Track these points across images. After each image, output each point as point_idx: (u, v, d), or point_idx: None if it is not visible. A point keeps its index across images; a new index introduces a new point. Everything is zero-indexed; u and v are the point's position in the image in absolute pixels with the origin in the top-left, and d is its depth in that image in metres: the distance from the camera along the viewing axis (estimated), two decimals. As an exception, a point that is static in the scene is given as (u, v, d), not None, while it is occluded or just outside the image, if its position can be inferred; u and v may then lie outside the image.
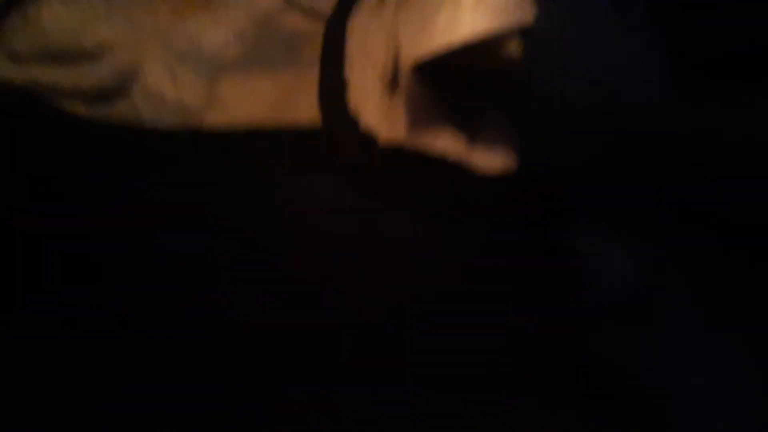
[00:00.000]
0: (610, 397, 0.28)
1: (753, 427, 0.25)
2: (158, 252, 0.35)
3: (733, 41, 0.25)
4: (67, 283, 0.33)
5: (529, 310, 0.31)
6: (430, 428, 0.28)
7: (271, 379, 0.30)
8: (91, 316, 0.32)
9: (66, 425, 0.29)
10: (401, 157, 0.36)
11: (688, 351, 0.27)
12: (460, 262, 0.34)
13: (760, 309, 0.27)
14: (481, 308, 0.31)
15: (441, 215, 0.35)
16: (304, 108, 0.40)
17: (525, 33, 0.30)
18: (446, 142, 0.36)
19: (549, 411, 0.28)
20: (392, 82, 0.39)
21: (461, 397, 0.29)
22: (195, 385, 0.30)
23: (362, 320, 0.32)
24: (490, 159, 0.36)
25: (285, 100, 0.41)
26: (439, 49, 0.31)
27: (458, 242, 0.35)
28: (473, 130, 0.37)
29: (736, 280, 0.27)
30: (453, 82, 0.35)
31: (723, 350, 0.27)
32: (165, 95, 0.42)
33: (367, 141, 0.37)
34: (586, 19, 0.29)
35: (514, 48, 0.33)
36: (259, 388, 0.30)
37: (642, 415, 0.27)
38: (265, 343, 0.31)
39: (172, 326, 0.32)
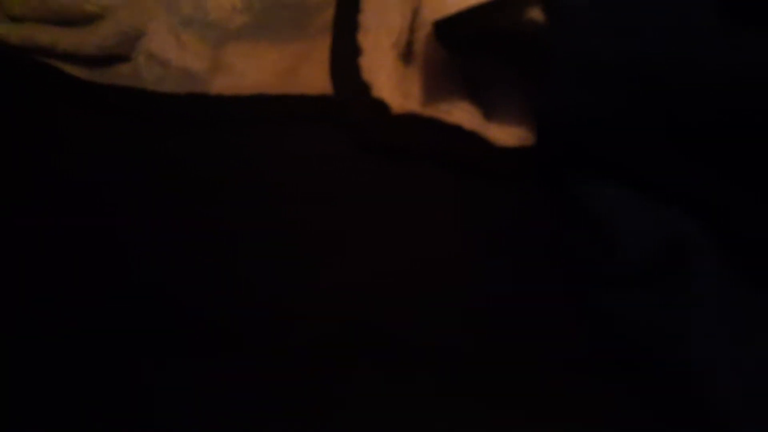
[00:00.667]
0: (636, 370, 0.26)
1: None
2: (169, 214, 0.33)
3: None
4: (75, 247, 0.32)
5: (548, 276, 0.30)
6: (448, 394, 0.27)
7: (280, 331, 0.29)
8: (105, 279, 0.31)
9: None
10: (415, 125, 0.35)
11: (721, 317, 0.26)
12: (479, 224, 0.32)
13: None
14: (500, 272, 0.30)
15: (457, 179, 0.33)
16: (313, 78, 0.39)
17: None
18: (462, 115, 0.35)
19: (572, 384, 0.27)
20: (407, 52, 0.37)
21: (478, 364, 0.28)
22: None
23: (379, 279, 0.31)
24: (507, 133, 0.34)
25: (294, 69, 0.40)
26: (463, 6, 0.30)
27: (476, 203, 0.34)
28: (489, 105, 0.36)
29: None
30: (472, 48, 0.34)
31: (760, 317, 0.26)
32: (170, 60, 0.41)
33: (379, 108, 0.35)
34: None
35: (536, 12, 0.32)
36: (267, 345, 0.29)
37: (673, 389, 0.26)
38: (280, 301, 0.30)
39: (189, 289, 0.30)
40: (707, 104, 0.26)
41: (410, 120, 0.35)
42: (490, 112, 0.35)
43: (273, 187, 0.36)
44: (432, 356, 0.28)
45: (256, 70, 0.40)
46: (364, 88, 0.36)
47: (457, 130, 0.34)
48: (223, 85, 0.40)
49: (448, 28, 0.32)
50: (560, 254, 0.30)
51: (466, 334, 0.29)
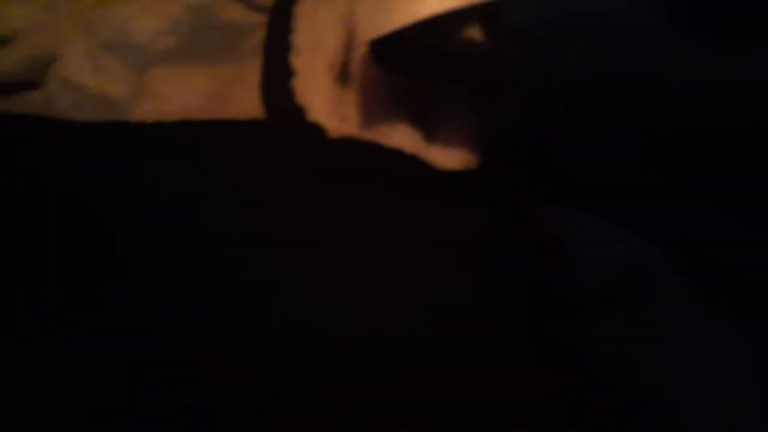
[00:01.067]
0: (602, 399, 0.24)
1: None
2: (84, 251, 0.30)
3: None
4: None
5: (504, 303, 0.28)
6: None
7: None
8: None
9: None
10: (353, 148, 0.33)
11: (689, 343, 0.24)
12: (431, 245, 0.30)
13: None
14: (457, 295, 0.28)
15: (401, 202, 0.31)
16: (245, 101, 0.37)
17: (495, 6, 0.27)
18: (402, 138, 0.33)
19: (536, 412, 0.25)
20: (343, 73, 0.35)
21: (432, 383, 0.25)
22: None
23: (323, 302, 0.28)
24: (449, 156, 0.33)
25: (224, 93, 0.37)
26: (400, 24, 0.28)
27: (424, 225, 0.32)
28: (430, 128, 0.34)
29: (740, 260, 0.24)
30: (410, 68, 0.32)
31: (730, 340, 0.24)
32: (86, 86, 0.38)
33: (315, 132, 0.33)
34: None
35: (475, 31, 0.30)
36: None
37: (641, 420, 0.24)
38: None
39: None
40: (666, 119, 0.25)
41: (348, 144, 0.33)
42: (430, 135, 0.34)
43: (203, 219, 0.33)
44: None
45: (183, 94, 0.38)
46: (298, 112, 0.34)
47: (397, 154, 0.32)
48: (145, 111, 0.37)
49: (384, 47, 0.30)
50: (516, 280, 0.28)
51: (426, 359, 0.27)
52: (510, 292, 0.27)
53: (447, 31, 0.29)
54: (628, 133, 0.25)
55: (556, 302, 0.26)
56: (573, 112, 0.26)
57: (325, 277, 0.31)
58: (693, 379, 0.23)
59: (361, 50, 0.33)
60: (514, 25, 0.27)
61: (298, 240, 0.32)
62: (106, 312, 0.29)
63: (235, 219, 0.33)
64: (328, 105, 0.34)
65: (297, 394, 0.27)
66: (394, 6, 0.29)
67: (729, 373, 0.24)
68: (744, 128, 0.23)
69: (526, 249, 0.28)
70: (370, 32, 0.30)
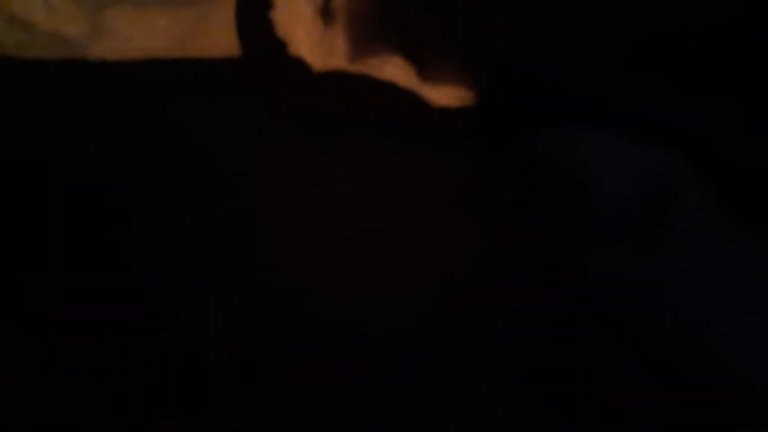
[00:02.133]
0: (625, 330, 0.22)
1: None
2: (45, 200, 0.27)
3: None
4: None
5: (515, 239, 0.25)
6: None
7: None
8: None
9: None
10: (341, 83, 0.30)
11: (714, 267, 0.22)
12: (431, 190, 0.28)
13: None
14: (462, 239, 0.26)
15: (395, 142, 0.29)
16: (215, 39, 0.33)
17: None
18: (395, 71, 0.30)
19: (549, 349, 0.22)
20: (326, 9, 0.33)
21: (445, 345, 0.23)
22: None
23: (306, 259, 0.26)
24: (443, 94, 0.30)
25: (191, 32, 0.34)
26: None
27: (422, 167, 0.29)
28: (423, 63, 0.32)
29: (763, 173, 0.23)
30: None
31: (755, 261, 0.22)
32: (35, 24, 0.34)
33: (298, 68, 0.30)
34: None
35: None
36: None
37: (666, 346, 0.22)
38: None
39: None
40: (672, 17, 0.23)
41: (335, 78, 0.30)
42: (424, 71, 0.31)
43: (177, 171, 0.30)
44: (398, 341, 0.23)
45: (145, 34, 0.34)
46: (278, 46, 0.31)
47: (390, 88, 0.30)
48: (104, 49, 0.33)
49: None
50: (526, 214, 0.26)
51: (433, 309, 0.24)
52: (517, 233, 0.25)
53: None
54: (636, 39, 0.24)
55: (572, 233, 0.24)
56: (579, 27, 0.24)
57: (317, 237, 0.28)
58: (718, 296, 0.21)
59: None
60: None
61: (284, 197, 0.29)
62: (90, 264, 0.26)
63: (211, 177, 0.29)
64: (311, 38, 0.31)
65: (284, 362, 0.24)
66: None
67: (758, 290, 0.22)
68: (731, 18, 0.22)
69: (532, 178, 0.26)
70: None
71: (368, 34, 0.31)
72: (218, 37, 0.33)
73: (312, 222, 0.28)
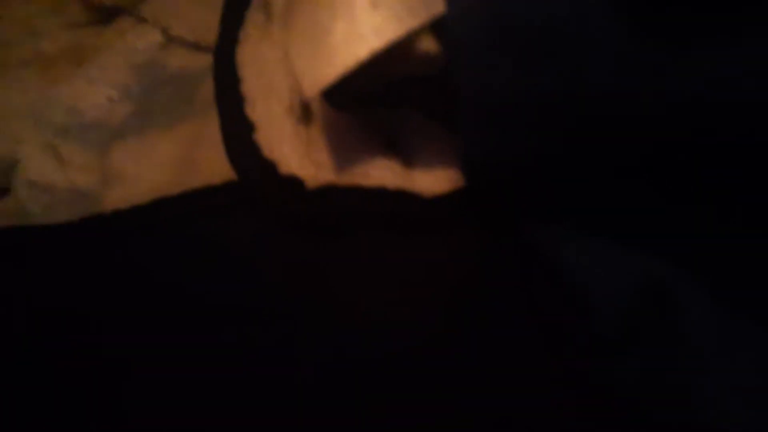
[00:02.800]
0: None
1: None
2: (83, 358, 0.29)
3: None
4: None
5: (523, 340, 0.26)
6: None
7: None
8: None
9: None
10: (334, 197, 0.31)
11: (724, 365, 0.22)
12: (434, 289, 0.29)
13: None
14: (468, 342, 0.27)
15: (397, 242, 0.30)
16: (213, 163, 0.35)
17: (439, 25, 0.25)
18: (382, 172, 0.31)
19: None
20: (304, 114, 0.33)
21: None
22: None
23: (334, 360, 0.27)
24: (435, 178, 0.30)
25: (189, 158, 0.36)
26: (342, 72, 0.25)
27: (424, 265, 0.30)
28: (408, 152, 0.32)
29: (757, 264, 0.22)
30: (372, 99, 0.29)
31: (761, 354, 0.22)
32: (54, 184, 0.37)
33: (292, 187, 0.31)
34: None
35: (427, 43, 0.28)
36: None
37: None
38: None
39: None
40: (638, 133, 0.22)
41: (328, 193, 0.31)
42: (410, 160, 0.31)
43: (199, 297, 0.32)
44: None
45: (150, 169, 0.36)
46: (269, 168, 0.32)
47: (380, 192, 0.30)
48: (117, 197, 0.35)
49: (333, 92, 0.28)
50: (530, 315, 0.26)
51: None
52: (518, 330, 0.26)
53: (396, 56, 0.27)
54: (596, 155, 0.23)
55: (572, 339, 0.24)
56: (539, 136, 0.24)
57: (332, 333, 0.30)
58: (735, 408, 0.21)
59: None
60: (459, 39, 0.24)
61: (298, 300, 0.31)
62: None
63: (232, 291, 0.31)
64: (298, 153, 0.32)
65: None
66: (331, 50, 0.26)
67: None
68: (727, 135, 0.21)
69: (530, 282, 0.26)
70: (313, 83, 0.27)
71: (348, 139, 0.31)
72: (216, 160, 0.35)
73: (326, 318, 0.30)
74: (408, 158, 0.31)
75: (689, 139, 0.21)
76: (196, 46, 0.40)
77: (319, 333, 0.30)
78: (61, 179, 0.37)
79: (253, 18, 0.34)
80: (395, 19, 0.25)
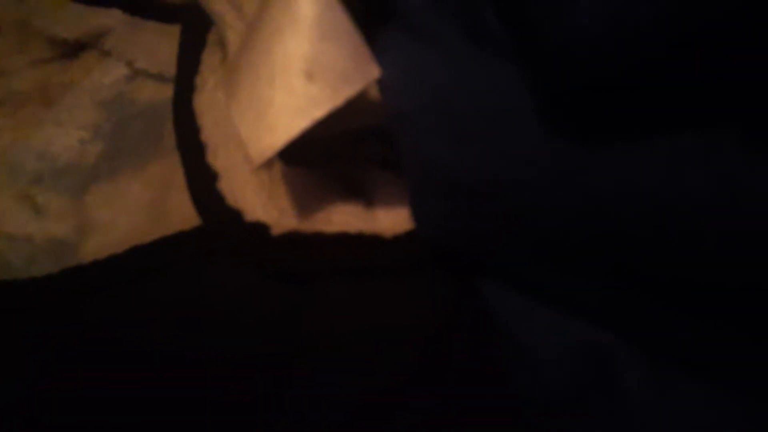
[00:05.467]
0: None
1: None
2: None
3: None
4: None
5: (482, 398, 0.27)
6: None
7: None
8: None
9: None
10: (297, 243, 0.31)
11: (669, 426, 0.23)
12: (397, 336, 0.29)
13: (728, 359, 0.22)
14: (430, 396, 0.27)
15: (356, 289, 0.30)
16: (183, 208, 0.35)
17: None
18: (343, 217, 0.31)
19: None
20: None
21: None
22: None
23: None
24: (395, 219, 0.31)
25: (161, 203, 0.36)
26: (285, 141, 0.26)
27: (388, 311, 0.31)
28: (368, 194, 0.32)
29: (698, 340, 0.23)
30: (325, 157, 0.29)
31: (710, 414, 0.22)
32: (32, 234, 0.37)
33: (256, 234, 0.32)
34: (438, 63, 0.23)
35: (373, 92, 0.28)
36: None
37: None
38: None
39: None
40: (562, 226, 0.22)
41: (292, 239, 0.31)
42: (371, 199, 0.32)
43: (178, 346, 0.33)
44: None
45: (124, 216, 0.37)
46: (235, 216, 0.32)
47: (342, 238, 0.31)
48: (94, 246, 0.36)
49: (290, 155, 0.28)
50: (487, 372, 0.27)
51: None
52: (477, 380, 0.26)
53: (341, 116, 0.27)
54: (529, 235, 0.23)
55: (526, 395, 0.25)
56: (469, 211, 0.24)
57: (314, 377, 0.31)
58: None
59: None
60: (399, 109, 0.24)
61: (275, 347, 0.32)
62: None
63: (211, 344, 0.32)
64: (261, 199, 0.32)
65: None
66: (272, 121, 0.26)
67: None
68: (641, 236, 0.21)
69: (485, 335, 0.26)
70: (258, 153, 0.27)
71: (308, 185, 0.32)
72: (186, 205, 0.35)
73: (302, 365, 0.31)
74: (369, 199, 0.32)
75: (607, 230, 0.21)
76: (161, 78, 0.40)
77: (303, 378, 0.31)
78: (39, 230, 0.37)
79: (209, 61, 0.34)
80: (331, 90, 0.24)
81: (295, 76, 0.25)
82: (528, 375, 0.24)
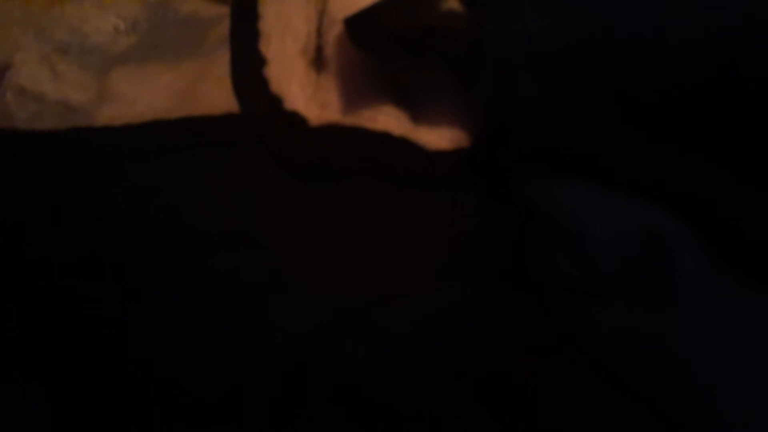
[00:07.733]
0: (624, 389, 0.23)
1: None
2: (60, 272, 0.28)
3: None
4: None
5: (515, 294, 0.26)
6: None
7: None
8: None
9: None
10: (337, 136, 0.31)
11: (714, 319, 0.22)
12: (429, 241, 0.29)
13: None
14: (460, 294, 0.26)
15: (393, 192, 0.29)
16: (215, 96, 0.34)
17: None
18: (388, 120, 0.31)
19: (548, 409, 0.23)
20: (318, 58, 0.34)
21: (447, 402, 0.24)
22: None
23: (328, 317, 0.27)
24: (439, 137, 0.31)
25: (192, 89, 0.35)
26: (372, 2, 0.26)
27: (420, 217, 0.30)
28: (417, 107, 0.32)
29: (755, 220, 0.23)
30: (389, 46, 0.30)
31: (756, 311, 0.23)
32: (44, 94, 0.36)
33: (295, 123, 0.31)
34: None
35: (453, 2, 0.29)
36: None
37: (668, 404, 0.22)
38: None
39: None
40: (660, 78, 0.23)
41: (331, 132, 0.31)
42: (418, 115, 0.32)
43: (186, 231, 0.31)
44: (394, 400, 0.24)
45: (149, 95, 0.35)
46: (275, 102, 0.32)
47: (385, 138, 0.30)
48: (111, 114, 0.35)
49: (359, 25, 0.28)
50: (525, 268, 0.26)
51: (429, 369, 0.25)
52: (512, 283, 0.26)
53: (424, 3, 0.28)
54: (623, 99, 0.24)
55: (567, 286, 0.24)
56: (563, 82, 0.25)
57: (322, 280, 0.29)
58: (721, 359, 0.22)
59: (334, 31, 0.31)
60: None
61: (289, 244, 0.30)
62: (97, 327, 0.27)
63: (221, 227, 0.30)
64: (305, 92, 0.32)
65: (300, 403, 0.26)
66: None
67: (758, 347, 0.22)
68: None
69: (528, 232, 0.26)
70: (343, 10, 0.28)
71: (360, 84, 0.32)
72: (218, 93, 0.35)
73: (317, 265, 0.29)
74: (416, 113, 0.32)
75: (695, 82, 0.22)
76: (211, -4, 0.40)
77: (308, 276, 0.29)
78: (53, 91, 0.36)
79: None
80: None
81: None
82: (577, 261, 0.24)
